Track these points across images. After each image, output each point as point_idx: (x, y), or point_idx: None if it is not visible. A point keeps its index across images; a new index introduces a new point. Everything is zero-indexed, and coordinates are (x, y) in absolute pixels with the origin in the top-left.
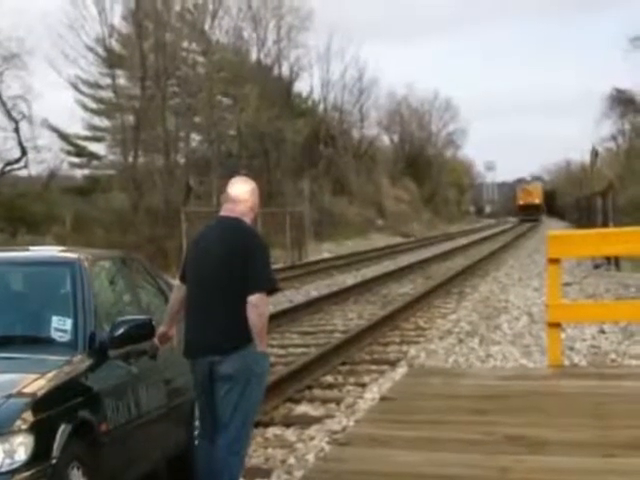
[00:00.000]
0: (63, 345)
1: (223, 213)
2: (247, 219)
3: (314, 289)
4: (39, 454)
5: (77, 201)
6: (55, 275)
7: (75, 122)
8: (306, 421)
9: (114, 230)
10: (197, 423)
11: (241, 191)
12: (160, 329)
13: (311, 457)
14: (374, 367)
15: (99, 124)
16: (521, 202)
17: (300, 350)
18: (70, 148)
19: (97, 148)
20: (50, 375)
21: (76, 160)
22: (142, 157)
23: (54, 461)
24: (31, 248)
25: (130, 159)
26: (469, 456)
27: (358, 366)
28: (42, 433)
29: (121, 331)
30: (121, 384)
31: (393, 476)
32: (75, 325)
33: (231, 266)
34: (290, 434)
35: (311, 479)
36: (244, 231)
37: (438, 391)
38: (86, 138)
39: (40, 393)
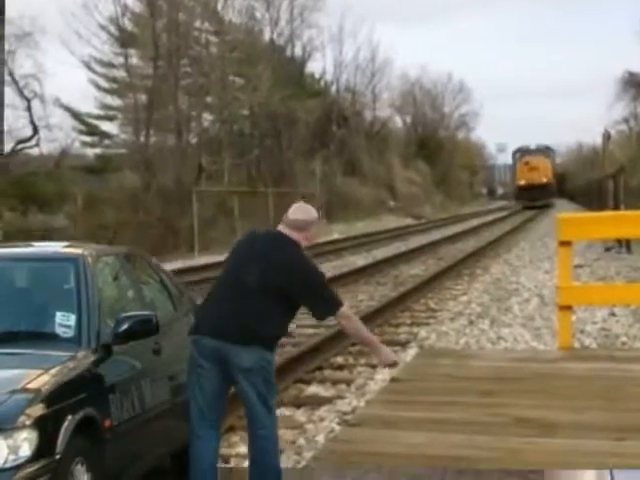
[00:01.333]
0: (67, 341)
1: (284, 231)
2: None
3: (324, 270)
4: (43, 450)
5: (89, 180)
6: (59, 271)
7: (87, 101)
8: (316, 402)
9: (125, 209)
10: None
11: (302, 219)
12: None
13: (321, 438)
14: None
15: (111, 103)
16: (522, 182)
17: (311, 331)
18: (82, 127)
19: (109, 127)
20: (54, 371)
21: (88, 139)
22: (154, 136)
23: (58, 457)
24: (35, 244)
25: (142, 138)
26: (479, 438)
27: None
28: (46, 429)
29: (125, 327)
30: (125, 380)
31: (403, 457)
32: (79, 321)
33: (281, 282)
34: (300, 415)
35: (321, 460)
36: (302, 258)
37: (448, 372)
38: (98, 117)
39: (44, 389)
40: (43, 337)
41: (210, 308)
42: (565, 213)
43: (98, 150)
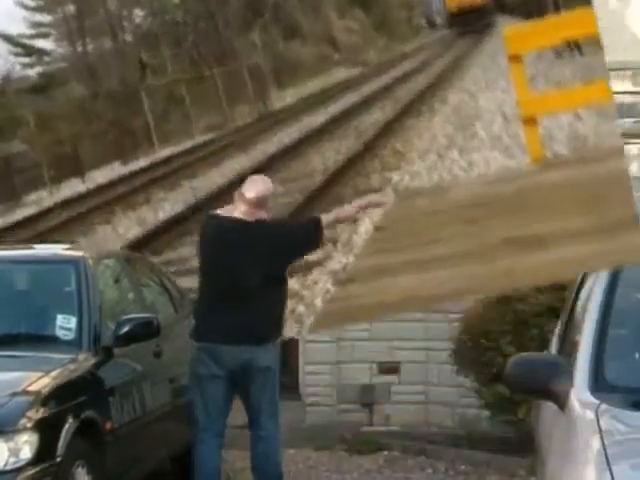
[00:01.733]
0: (68, 343)
1: (244, 212)
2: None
3: (286, 136)
4: (44, 452)
5: (36, 100)
6: (60, 273)
7: (18, 23)
8: (306, 267)
9: (78, 121)
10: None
11: (262, 195)
12: None
13: (319, 301)
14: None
15: (42, 20)
16: (452, 7)
17: (285, 200)
18: (18, 49)
19: (45, 44)
20: (55, 373)
21: (27, 60)
22: (91, 44)
23: (59, 459)
24: (36, 246)
25: (79, 48)
26: (470, 267)
27: (345, 202)
28: (47, 431)
29: (125, 329)
30: (126, 382)
31: (400, 303)
32: (80, 323)
33: (266, 267)
34: (294, 283)
35: (321, 323)
36: (276, 230)
37: (429, 209)
38: (32, 36)
39: (45, 391)
40: (44, 340)
41: (212, 314)
42: (509, 27)
43: (39, 69)
